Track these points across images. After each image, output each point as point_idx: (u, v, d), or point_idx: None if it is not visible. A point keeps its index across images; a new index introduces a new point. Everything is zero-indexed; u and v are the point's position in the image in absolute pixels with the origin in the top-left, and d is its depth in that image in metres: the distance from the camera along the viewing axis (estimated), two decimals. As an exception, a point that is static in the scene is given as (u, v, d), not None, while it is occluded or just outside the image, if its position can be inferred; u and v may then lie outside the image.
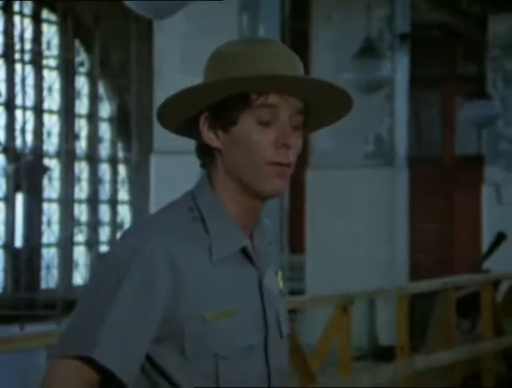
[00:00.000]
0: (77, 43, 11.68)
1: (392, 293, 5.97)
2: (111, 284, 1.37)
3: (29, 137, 11.05)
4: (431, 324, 6.14)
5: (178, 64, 6.37)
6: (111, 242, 12.19)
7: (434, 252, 11.99)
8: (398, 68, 8.19)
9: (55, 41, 11.45)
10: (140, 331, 1.36)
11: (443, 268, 10.56)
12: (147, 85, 9.28)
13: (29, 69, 11.07)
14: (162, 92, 6.51)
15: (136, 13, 4.85)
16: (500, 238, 9.53)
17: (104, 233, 12.41)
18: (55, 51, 11.47)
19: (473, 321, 8.02)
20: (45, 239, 11.36)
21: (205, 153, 1.47)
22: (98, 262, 1.41)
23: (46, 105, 11.34)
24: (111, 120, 12.34)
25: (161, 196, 6.40)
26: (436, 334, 6.00)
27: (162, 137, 6.45)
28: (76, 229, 11.85)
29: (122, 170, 12.57)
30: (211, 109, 1.43)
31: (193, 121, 1.46)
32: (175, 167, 6.33)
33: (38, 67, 11.16)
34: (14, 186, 10.78)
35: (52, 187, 11.43)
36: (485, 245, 10.69)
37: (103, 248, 12.61)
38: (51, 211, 11.40)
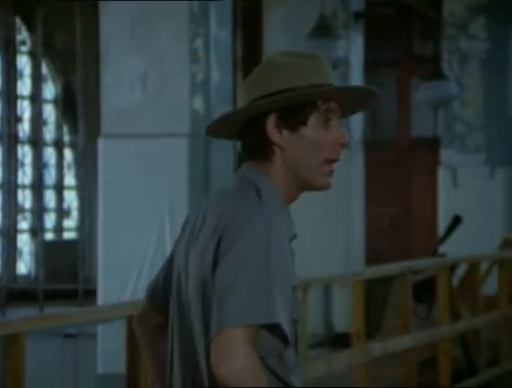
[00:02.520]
0: (18, 21, 11.50)
1: (348, 279, 6.02)
2: (262, 256, 1.63)
3: (-31, 120, 10.88)
4: (388, 310, 6.21)
5: (126, 45, 6.30)
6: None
7: (391, 237, 12.11)
8: (353, 48, 8.22)
9: (-5, 19, 11.26)
10: (289, 292, 1.66)
11: (400, 253, 10.68)
12: (93, 66, 9.17)
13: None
14: (109, 73, 6.44)
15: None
16: (456, 221, 9.65)
17: (50, 220, 12.29)
18: (-5, 29, 11.29)
19: (429, 306, 8.14)
20: (-13, 227, 11.21)
21: (265, 150, 1.73)
22: (237, 240, 1.69)
23: (-14, 86, 11.17)
24: (55, 101, 12.19)
25: (110, 180, 6.34)
26: (392, 319, 6.07)
27: (110, 120, 6.38)
28: (19, 216, 11.71)
29: (68, 154, 12.45)
30: (280, 111, 1.72)
31: (247, 125, 1.74)
32: (124, 151, 6.28)
33: (-23, 46, 10.98)
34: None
35: (-7, 173, 11.27)
36: (442, 229, 10.84)
37: (49, 236, 12.49)
38: (-7, 197, 11.25)
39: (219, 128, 1.80)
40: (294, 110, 1.72)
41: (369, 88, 1.82)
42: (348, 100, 1.79)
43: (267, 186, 1.73)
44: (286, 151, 1.73)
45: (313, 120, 1.73)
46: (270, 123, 1.72)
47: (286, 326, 1.63)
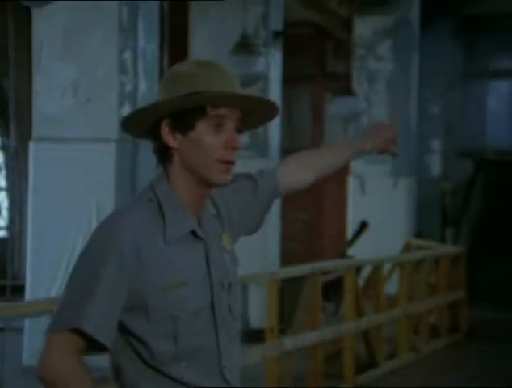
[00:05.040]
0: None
1: (263, 279, 6.03)
2: (96, 264, 1.67)
3: None
4: (299, 307, 6.25)
5: (57, 52, 6.21)
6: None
7: (304, 240, 12.21)
8: (272, 64, 8.26)
9: None
10: (116, 302, 1.67)
11: (312, 255, 10.77)
12: (26, 71, 8.97)
13: None
14: (41, 78, 6.32)
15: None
16: (363, 226, 9.81)
17: (-20, 219, 11.96)
18: None
19: (337, 303, 8.23)
20: None
21: (164, 153, 1.77)
22: (85, 245, 1.74)
23: None
24: (-12, 105, 11.87)
25: (41, 182, 6.22)
26: (303, 316, 6.11)
27: (41, 124, 6.26)
28: (-49, 215, 11.37)
29: (-1, 156, 12.15)
30: (172, 116, 1.74)
31: (152, 127, 1.76)
32: (54, 154, 6.17)
33: None
34: None
35: None
36: (350, 233, 10.99)
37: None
38: None
39: (128, 126, 1.82)
40: (183, 115, 1.73)
41: (262, 98, 1.81)
42: (249, 111, 1.78)
43: (163, 188, 1.75)
44: (181, 153, 1.75)
45: (202, 125, 1.73)
46: (164, 127, 1.75)
47: (99, 331, 1.66)
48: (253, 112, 1.81)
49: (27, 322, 6.21)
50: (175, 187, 1.76)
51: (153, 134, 1.78)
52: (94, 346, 1.69)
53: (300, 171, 2.04)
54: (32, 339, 6.09)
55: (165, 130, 1.75)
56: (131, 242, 1.68)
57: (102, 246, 1.68)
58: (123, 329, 1.71)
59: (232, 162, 1.76)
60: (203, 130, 1.73)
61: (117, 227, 1.69)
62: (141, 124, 1.78)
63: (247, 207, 1.93)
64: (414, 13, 11.51)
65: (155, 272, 1.69)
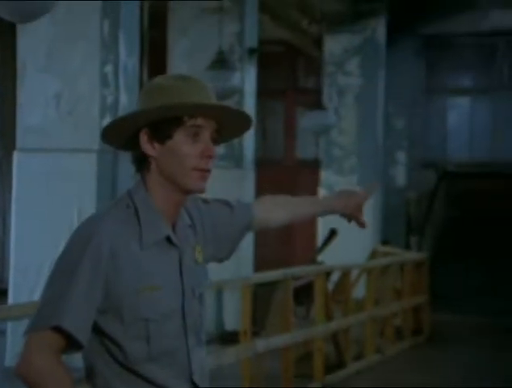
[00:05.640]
0: None
1: (238, 283, 6.02)
2: (72, 266, 1.66)
3: None
4: (271, 311, 6.24)
5: (42, 65, 6.16)
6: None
7: (276, 246, 12.21)
8: (247, 79, 8.27)
9: None
10: (91, 302, 1.66)
11: (284, 261, 10.77)
12: (10, 84, 8.90)
13: None
14: (25, 91, 6.27)
15: None
16: (332, 234, 9.83)
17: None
18: None
19: (307, 307, 8.23)
20: None
21: (142, 161, 1.77)
22: (61, 251, 1.73)
23: None
24: (-26, 116, 11.74)
25: (24, 191, 6.17)
26: (275, 319, 6.10)
27: (25, 135, 6.21)
28: None
29: (-16, 164, 12.00)
30: (150, 126, 1.73)
31: (131, 137, 1.76)
32: (37, 164, 6.12)
33: None
34: None
35: None
36: (320, 240, 11.00)
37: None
38: None
39: (107, 137, 1.80)
40: (161, 125, 1.73)
41: (237, 109, 1.80)
42: (225, 122, 1.78)
43: (141, 195, 1.75)
44: (159, 161, 1.75)
45: (179, 134, 1.73)
46: (143, 137, 1.75)
47: (76, 329, 1.65)
48: (229, 124, 1.81)
49: (9, 325, 6.15)
50: (152, 195, 1.76)
51: (132, 143, 1.77)
52: (69, 346, 1.67)
53: (275, 211, 2.05)
54: (15, 341, 6.04)
55: (143, 139, 1.74)
56: (107, 244, 1.67)
57: (79, 247, 1.67)
58: (97, 330, 1.70)
59: (207, 171, 1.75)
60: (180, 139, 1.73)
61: (94, 230, 1.68)
62: (121, 134, 1.77)
63: (221, 230, 1.92)
64: (380, 32, 11.60)
65: (129, 274, 1.69)
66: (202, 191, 1.77)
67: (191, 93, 1.73)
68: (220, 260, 1.97)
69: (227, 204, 1.96)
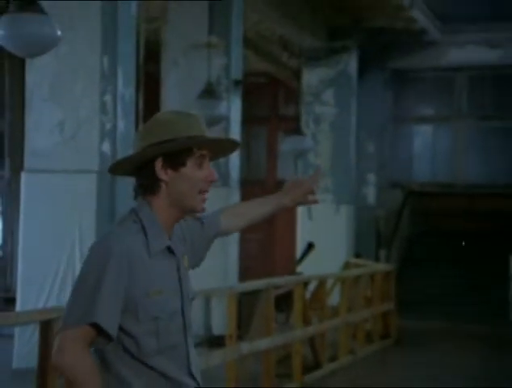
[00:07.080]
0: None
1: (224, 292, 6.00)
2: (98, 272, 1.77)
3: None
4: (255, 317, 6.22)
5: (46, 95, 6.18)
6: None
7: (259, 258, 12.20)
8: (233, 107, 8.30)
9: None
10: (118, 302, 1.77)
11: (266, 272, 10.75)
12: (19, 112, 8.91)
13: None
14: (32, 118, 6.29)
15: (10, 51, 4.63)
16: (309, 247, 9.84)
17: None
18: None
19: (287, 314, 8.22)
20: None
21: (153, 185, 1.86)
22: (86, 258, 1.84)
23: None
24: (-15, 141, 11.66)
25: (31, 209, 6.17)
26: (258, 325, 6.08)
27: (32, 157, 6.22)
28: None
29: (-5, 184, 11.92)
30: (165, 156, 1.84)
31: (140, 166, 1.86)
32: (42, 184, 6.12)
33: None
34: None
35: None
36: (299, 252, 11.01)
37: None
38: None
39: (117, 168, 1.91)
40: (175, 155, 1.85)
41: (231, 139, 2.01)
42: (217, 148, 1.94)
43: (146, 212, 1.85)
44: (170, 186, 1.86)
45: (190, 163, 1.86)
46: (158, 164, 1.85)
47: (108, 325, 1.74)
48: (220, 149, 1.97)
49: (17, 330, 6.10)
50: (155, 212, 1.86)
51: (140, 171, 1.87)
52: (98, 340, 1.77)
53: (234, 219, 2.15)
54: (21, 344, 5.99)
55: (158, 166, 1.84)
56: (125, 255, 1.78)
57: (102, 259, 1.77)
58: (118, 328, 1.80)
59: (207, 192, 1.90)
60: (191, 167, 1.86)
61: (112, 244, 1.79)
62: (131, 165, 1.88)
63: (196, 242, 2.03)
64: (352, 66, 11.69)
65: (142, 279, 1.80)
66: (203, 211, 1.91)
67: (192, 126, 1.87)
68: (193, 267, 2.07)
69: (198, 219, 2.06)
